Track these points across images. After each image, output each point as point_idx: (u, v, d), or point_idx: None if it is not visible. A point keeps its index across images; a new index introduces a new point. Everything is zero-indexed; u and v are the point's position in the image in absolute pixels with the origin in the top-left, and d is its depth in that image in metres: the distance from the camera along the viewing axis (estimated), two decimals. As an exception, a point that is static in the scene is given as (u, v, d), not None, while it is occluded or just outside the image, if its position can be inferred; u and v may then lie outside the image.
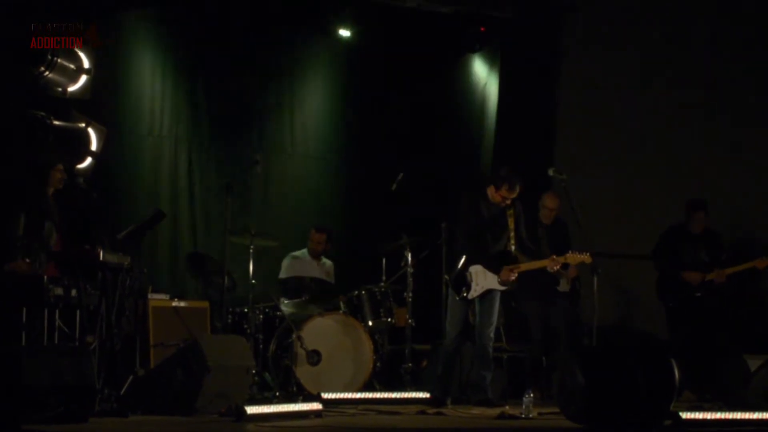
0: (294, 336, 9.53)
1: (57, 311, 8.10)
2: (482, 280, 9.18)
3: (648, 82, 11.80)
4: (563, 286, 10.29)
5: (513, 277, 9.22)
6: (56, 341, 8.08)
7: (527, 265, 9.33)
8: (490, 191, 9.29)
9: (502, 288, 9.24)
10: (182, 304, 9.81)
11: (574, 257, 9.37)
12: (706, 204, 10.45)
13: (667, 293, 10.52)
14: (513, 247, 9.25)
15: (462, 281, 9.19)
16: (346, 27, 11.63)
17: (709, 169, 11.34)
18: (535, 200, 10.39)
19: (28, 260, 8.02)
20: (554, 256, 9.38)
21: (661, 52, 11.75)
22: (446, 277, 9.38)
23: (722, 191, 10.99)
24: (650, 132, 11.71)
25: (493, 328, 9.34)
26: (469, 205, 9.28)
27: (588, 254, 9.37)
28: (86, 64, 7.81)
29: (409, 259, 10.13)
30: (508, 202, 9.23)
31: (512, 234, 9.25)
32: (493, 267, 9.18)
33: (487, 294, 9.21)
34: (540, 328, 10.31)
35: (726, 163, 11.31)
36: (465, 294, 9.18)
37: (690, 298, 10.38)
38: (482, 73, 12.52)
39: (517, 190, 9.17)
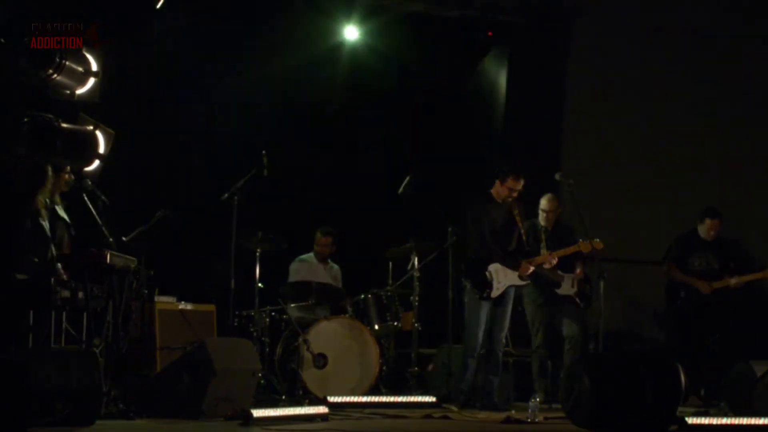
0: (300, 339, 9.54)
1: (64, 314, 8.10)
2: (503, 278, 9.24)
3: (656, 87, 11.78)
4: (566, 290, 10.25)
5: (530, 271, 9.30)
6: (63, 344, 8.08)
7: (541, 259, 9.43)
8: (495, 189, 9.35)
9: (523, 283, 9.34)
10: (189, 307, 9.81)
11: (585, 245, 9.46)
12: (720, 212, 10.46)
13: (676, 298, 10.52)
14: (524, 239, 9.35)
15: (483, 281, 9.19)
16: (353, 30, 11.64)
17: (717, 175, 11.32)
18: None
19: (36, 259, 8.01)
20: (551, 252, 9.44)
21: (669, 56, 11.74)
22: (467, 283, 9.31)
23: (731, 198, 10.98)
24: (659, 137, 11.70)
25: (504, 333, 9.39)
26: (478, 208, 9.32)
27: (598, 240, 9.54)
28: (94, 66, 7.78)
29: (416, 262, 10.14)
30: (515, 194, 9.32)
31: (522, 231, 9.34)
32: (512, 263, 9.22)
33: (504, 295, 9.25)
34: (544, 334, 10.30)
35: (735, 169, 11.30)
36: (488, 293, 9.19)
37: (698, 304, 10.38)
38: (490, 78, 12.52)
39: (522, 180, 9.24)
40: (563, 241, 10.17)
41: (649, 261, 10.91)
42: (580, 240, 9.61)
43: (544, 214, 10.29)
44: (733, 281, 10.35)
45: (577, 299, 10.23)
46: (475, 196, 9.47)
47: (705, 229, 10.48)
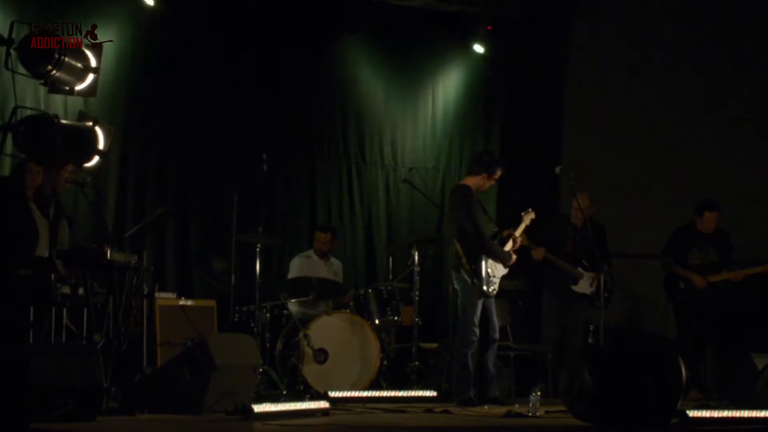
0: (301, 334, 9.54)
1: (64, 310, 8.11)
2: (495, 270, 9.19)
3: (656, 82, 11.79)
4: (583, 287, 10.24)
5: (514, 249, 9.35)
6: (63, 340, 8.09)
7: (508, 245, 9.39)
8: (475, 180, 9.27)
9: (506, 270, 9.28)
10: (189, 302, 9.82)
11: (526, 215, 9.49)
12: (718, 204, 10.45)
13: (675, 292, 10.51)
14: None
15: (487, 277, 9.15)
16: (353, 25, 11.62)
17: (717, 168, 11.33)
18: (544, 199, 10.41)
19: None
20: (512, 233, 9.41)
21: (669, 52, 11.75)
22: (469, 278, 9.21)
23: (731, 191, 10.97)
24: (658, 131, 11.71)
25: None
26: (471, 203, 9.24)
27: (530, 209, 9.51)
28: (93, 62, 7.78)
29: (416, 257, 10.13)
30: (494, 183, 9.32)
31: (490, 219, 9.37)
32: (503, 254, 9.22)
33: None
34: (554, 328, 10.31)
35: (735, 162, 11.29)
36: (494, 288, 9.16)
37: (697, 297, 10.38)
38: (489, 72, 12.51)
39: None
40: (591, 240, 10.05)
41: (649, 255, 10.91)
42: (522, 213, 9.55)
43: (579, 213, 10.19)
44: (734, 275, 10.34)
45: (594, 300, 10.16)
46: (464, 191, 9.32)
47: (704, 222, 10.45)
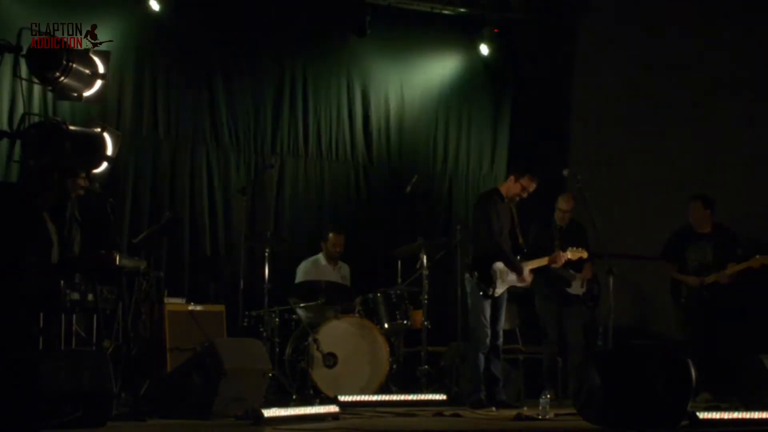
0: (310, 339, 9.54)
1: (74, 316, 8.11)
2: (506, 277, 9.19)
3: (661, 83, 11.77)
4: (575, 289, 10.27)
5: (531, 278, 9.32)
6: (73, 346, 8.09)
7: (536, 262, 9.39)
8: (507, 186, 9.35)
9: (522, 285, 9.29)
10: (198, 308, 9.82)
11: (573, 253, 9.51)
12: (704, 197, 10.40)
13: (679, 296, 10.49)
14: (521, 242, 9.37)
15: (489, 279, 9.16)
16: (361, 29, 11.62)
17: (723, 169, 11.30)
18: (550, 201, 10.40)
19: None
20: (559, 252, 9.46)
21: (674, 52, 11.73)
22: (470, 276, 9.25)
23: (736, 192, 10.95)
24: (665, 133, 11.68)
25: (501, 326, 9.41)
26: (492, 205, 9.28)
27: (583, 249, 9.60)
28: (101, 68, 7.80)
29: (425, 261, 10.13)
30: (525, 195, 9.32)
31: (518, 230, 9.33)
32: (516, 265, 9.21)
33: (505, 293, 9.24)
34: (554, 330, 10.30)
35: (741, 164, 11.27)
36: (493, 291, 9.16)
37: (701, 300, 10.34)
38: (496, 75, 12.51)
39: (536, 183, 9.30)
40: (575, 239, 10.16)
41: (657, 256, 10.88)
42: (569, 248, 9.62)
43: (561, 214, 10.29)
44: (718, 279, 10.27)
45: (586, 300, 10.23)
46: (488, 193, 9.47)
47: (690, 215, 10.42)
